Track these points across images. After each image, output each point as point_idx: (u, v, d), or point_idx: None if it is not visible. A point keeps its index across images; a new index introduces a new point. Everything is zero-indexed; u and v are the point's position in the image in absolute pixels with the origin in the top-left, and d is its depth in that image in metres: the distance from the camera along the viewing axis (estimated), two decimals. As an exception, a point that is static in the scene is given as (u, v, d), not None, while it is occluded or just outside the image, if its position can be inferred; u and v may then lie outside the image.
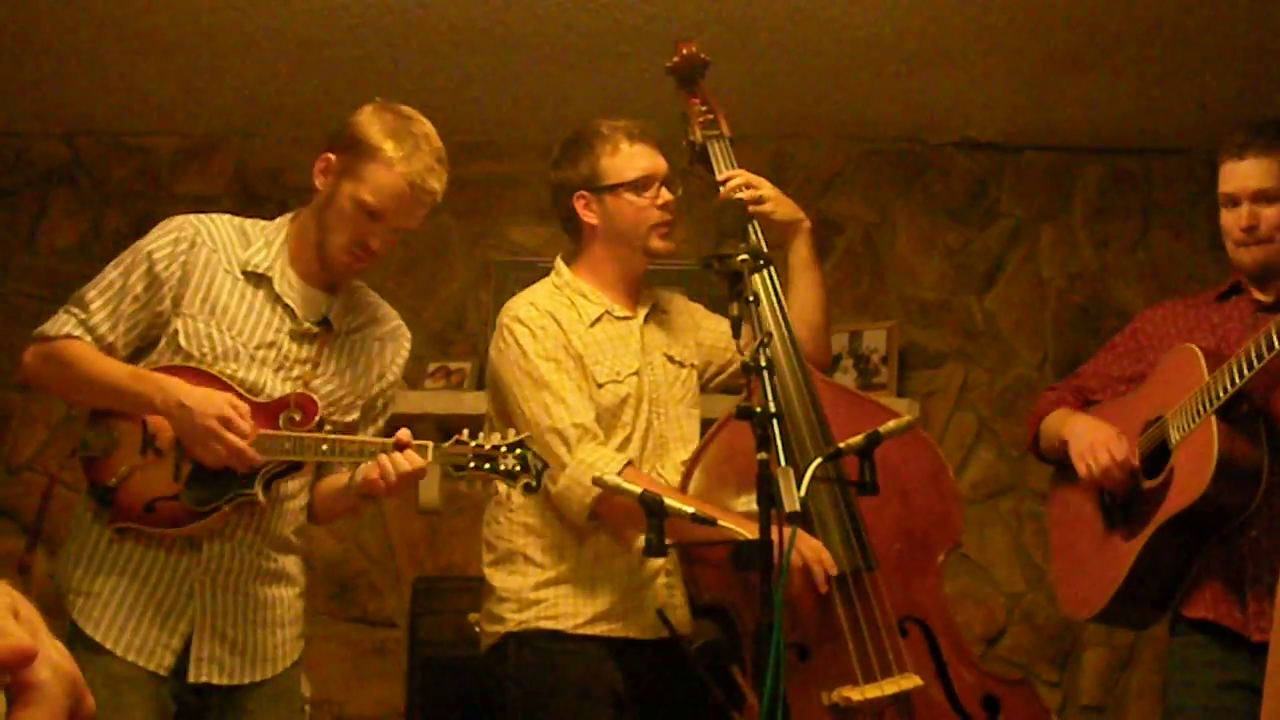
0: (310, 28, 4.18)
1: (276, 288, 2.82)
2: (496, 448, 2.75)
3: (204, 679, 2.76)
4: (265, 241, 2.86)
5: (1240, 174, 3.00)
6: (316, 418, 2.78)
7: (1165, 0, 4.08)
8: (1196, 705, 2.94)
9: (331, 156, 2.81)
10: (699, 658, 2.92)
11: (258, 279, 2.82)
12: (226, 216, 2.90)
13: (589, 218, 3.13)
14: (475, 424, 4.49)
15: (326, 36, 4.23)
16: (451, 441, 2.78)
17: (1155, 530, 2.93)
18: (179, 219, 2.84)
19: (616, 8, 4.10)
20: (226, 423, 2.64)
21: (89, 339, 2.75)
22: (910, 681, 2.89)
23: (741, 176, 3.23)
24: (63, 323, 2.77)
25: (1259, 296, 3.06)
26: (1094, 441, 3.06)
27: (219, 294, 2.78)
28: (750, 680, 2.78)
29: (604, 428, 3.04)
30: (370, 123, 2.80)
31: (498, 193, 5.16)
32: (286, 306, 2.83)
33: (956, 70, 4.57)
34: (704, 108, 3.33)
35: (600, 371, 3.06)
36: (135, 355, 2.80)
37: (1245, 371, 2.74)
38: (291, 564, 2.96)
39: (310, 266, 2.86)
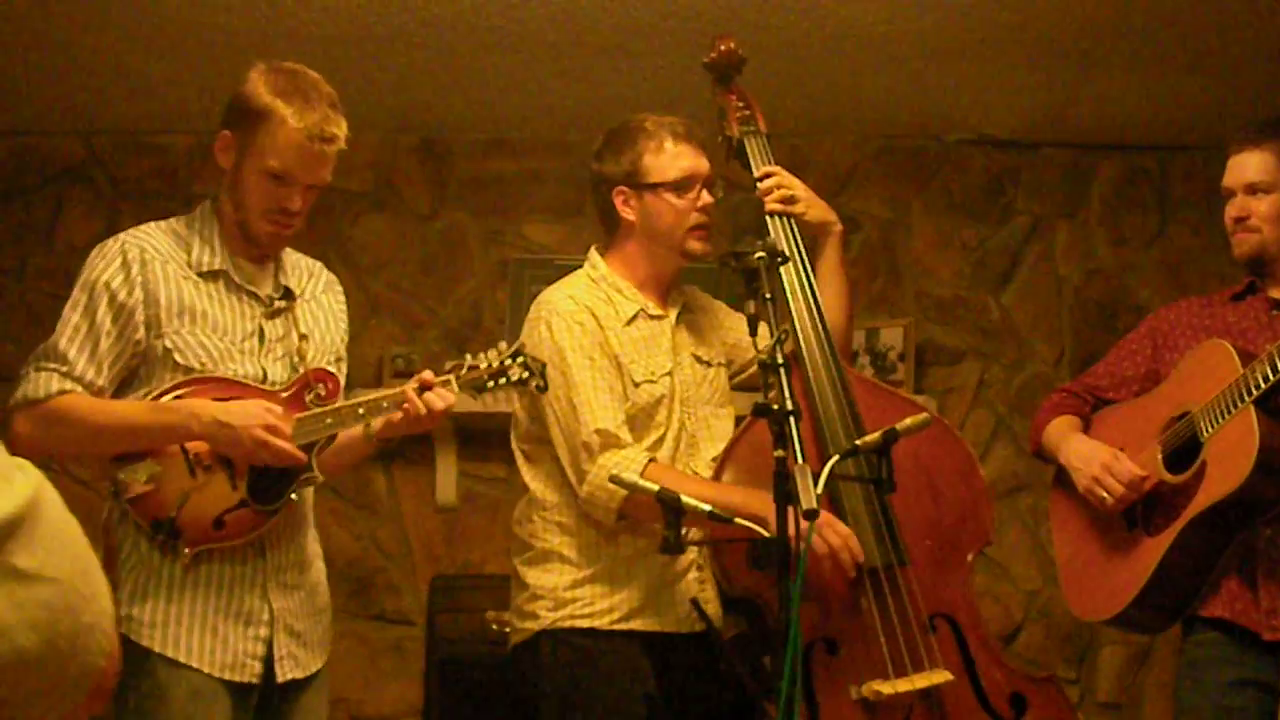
0: (327, 26, 4.18)
1: (235, 278, 2.83)
2: (503, 362, 2.83)
3: (288, 676, 2.77)
4: (202, 239, 2.83)
5: (1235, 167, 3.08)
6: (340, 389, 2.85)
7: (1183, -3, 4.07)
8: (1208, 703, 2.93)
9: (228, 133, 2.78)
10: (732, 648, 2.92)
11: (214, 275, 2.82)
12: (152, 225, 2.86)
13: (627, 214, 3.13)
14: (493, 422, 4.51)
15: (343, 35, 4.23)
16: (465, 369, 2.83)
17: (1186, 524, 2.89)
18: (113, 242, 2.79)
19: (634, 5, 4.09)
20: (273, 430, 2.66)
21: (79, 389, 2.69)
22: (941, 676, 2.89)
23: (776, 176, 3.23)
24: (45, 381, 2.69)
25: (1274, 294, 3.06)
26: (1098, 474, 3.06)
27: (191, 301, 2.76)
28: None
29: (639, 427, 3.05)
30: (256, 88, 2.75)
31: (514, 191, 5.16)
32: (250, 293, 2.84)
33: (973, 67, 4.55)
34: (741, 103, 3.32)
35: (637, 371, 3.06)
36: (117, 393, 2.76)
37: None
38: (317, 541, 2.99)
39: (247, 246, 2.86)
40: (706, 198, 3.11)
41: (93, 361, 2.70)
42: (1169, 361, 3.15)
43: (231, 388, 2.74)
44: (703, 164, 3.13)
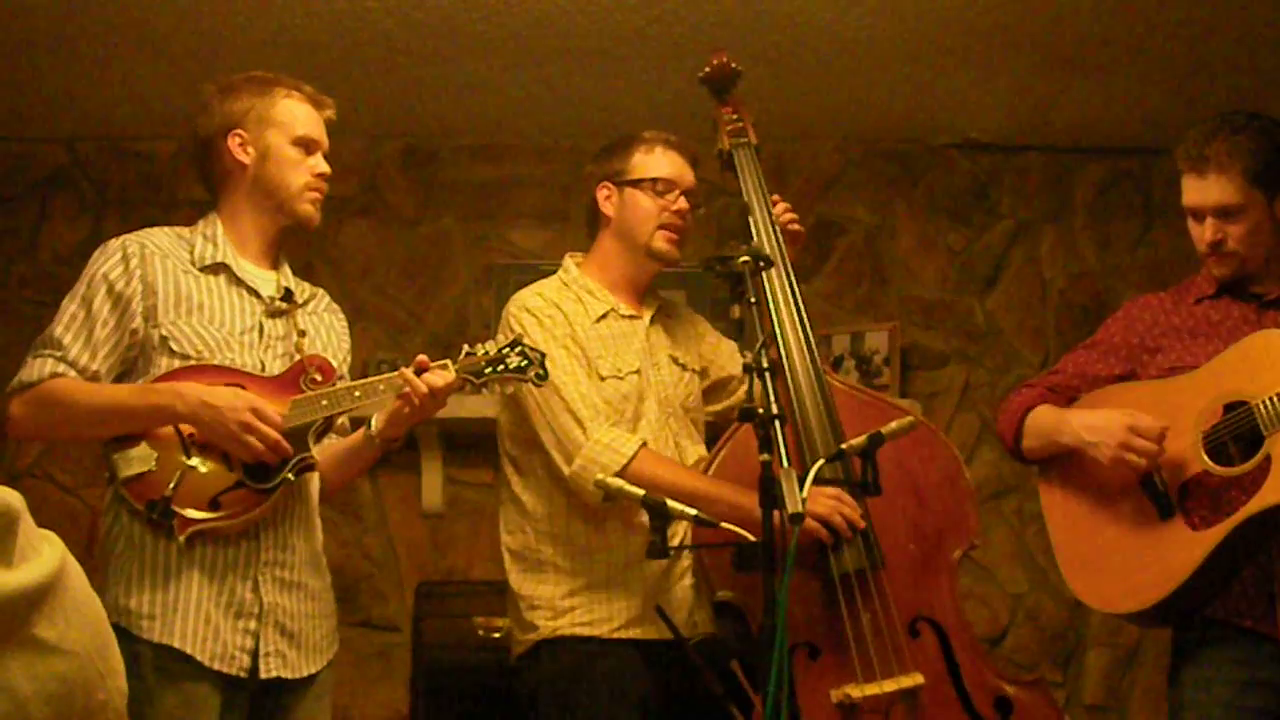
0: (310, 31, 4.18)
1: (237, 273, 2.86)
2: (501, 349, 2.87)
3: (273, 674, 2.76)
4: (205, 237, 2.88)
5: (1199, 189, 2.99)
6: (336, 375, 2.86)
7: (1164, 1, 4.08)
8: (1219, 703, 2.85)
9: (242, 131, 2.86)
10: (699, 653, 2.92)
11: (215, 269, 2.85)
12: (155, 229, 2.91)
13: (607, 209, 3.22)
14: (479, 428, 4.50)
15: (326, 40, 4.23)
16: (463, 355, 2.88)
17: (1245, 520, 2.74)
18: (115, 241, 2.84)
19: (617, 11, 4.10)
20: (260, 414, 2.66)
21: (73, 373, 2.71)
22: (911, 680, 2.90)
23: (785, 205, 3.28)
24: (40, 366, 2.72)
25: (1258, 290, 3.02)
26: (1124, 439, 2.90)
27: (189, 293, 2.79)
28: (753, 680, 2.79)
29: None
30: (245, 88, 2.89)
31: (499, 196, 5.16)
32: (250, 289, 2.87)
33: (957, 72, 4.57)
34: (734, 116, 3.36)
35: (603, 365, 3.11)
36: (116, 382, 2.78)
37: None
38: (322, 548, 2.97)
39: (253, 249, 2.91)
40: (683, 203, 3.20)
41: (87, 347, 2.73)
42: (1151, 365, 3.07)
43: (227, 374, 2.74)
44: (688, 175, 3.23)
